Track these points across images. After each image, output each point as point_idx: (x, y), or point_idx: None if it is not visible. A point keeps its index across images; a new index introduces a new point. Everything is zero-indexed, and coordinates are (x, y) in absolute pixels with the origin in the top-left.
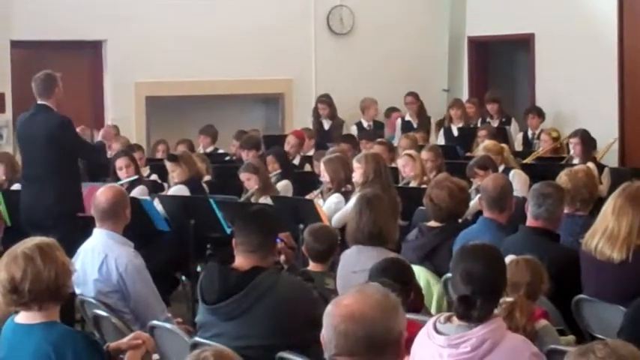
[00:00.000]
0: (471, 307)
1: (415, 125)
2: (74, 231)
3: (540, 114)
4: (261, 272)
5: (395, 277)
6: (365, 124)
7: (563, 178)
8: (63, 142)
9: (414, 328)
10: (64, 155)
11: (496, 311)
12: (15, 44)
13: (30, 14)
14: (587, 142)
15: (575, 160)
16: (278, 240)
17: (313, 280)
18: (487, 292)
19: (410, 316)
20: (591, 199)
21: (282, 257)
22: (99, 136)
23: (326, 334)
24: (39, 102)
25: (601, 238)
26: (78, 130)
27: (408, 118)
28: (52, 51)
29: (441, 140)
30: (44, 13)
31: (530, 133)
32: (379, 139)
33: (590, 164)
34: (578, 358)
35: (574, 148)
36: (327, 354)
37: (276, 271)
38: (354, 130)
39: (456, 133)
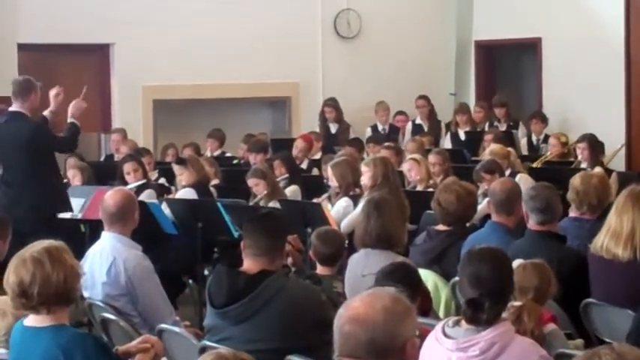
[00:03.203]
0: (479, 310)
1: (426, 129)
2: (54, 235)
3: (544, 119)
4: (270, 275)
5: (401, 281)
6: (380, 127)
7: (577, 180)
8: (39, 148)
9: (423, 333)
10: (41, 160)
11: (505, 315)
12: (22, 47)
13: (37, 17)
14: (595, 146)
15: (583, 165)
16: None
17: (321, 283)
18: (495, 294)
19: (418, 320)
20: (600, 205)
21: (290, 260)
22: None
23: (334, 335)
24: (12, 108)
25: (605, 237)
26: (52, 92)
27: (418, 121)
28: (59, 54)
29: (447, 144)
30: (51, 16)
31: (534, 138)
32: (386, 143)
33: (598, 169)
34: None
35: (582, 152)
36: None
37: (285, 274)
38: (368, 133)
39: (462, 137)
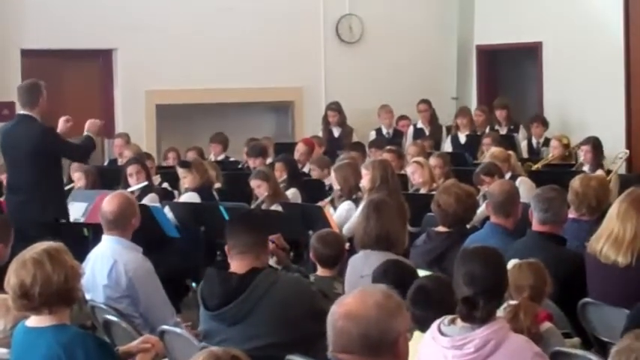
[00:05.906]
0: (474, 308)
1: (427, 133)
2: (58, 239)
3: (544, 123)
4: (260, 273)
5: (395, 279)
6: (384, 130)
7: (576, 182)
8: (47, 152)
9: None
10: (48, 165)
11: (501, 314)
12: (25, 53)
13: (40, 23)
14: (598, 149)
15: (585, 167)
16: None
17: (309, 277)
18: (489, 292)
19: None
20: (598, 207)
21: (275, 259)
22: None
23: (327, 331)
24: (21, 112)
25: (606, 242)
26: (62, 119)
27: (420, 125)
28: (62, 60)
29: (448, 148)
30: (54, 22)
31: (534, 141)
32: (388, 147)
33: (600, 172)
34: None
35: (585, 155)
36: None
37: (274, 270)
38: (372, 136)
39: (463, 140)
